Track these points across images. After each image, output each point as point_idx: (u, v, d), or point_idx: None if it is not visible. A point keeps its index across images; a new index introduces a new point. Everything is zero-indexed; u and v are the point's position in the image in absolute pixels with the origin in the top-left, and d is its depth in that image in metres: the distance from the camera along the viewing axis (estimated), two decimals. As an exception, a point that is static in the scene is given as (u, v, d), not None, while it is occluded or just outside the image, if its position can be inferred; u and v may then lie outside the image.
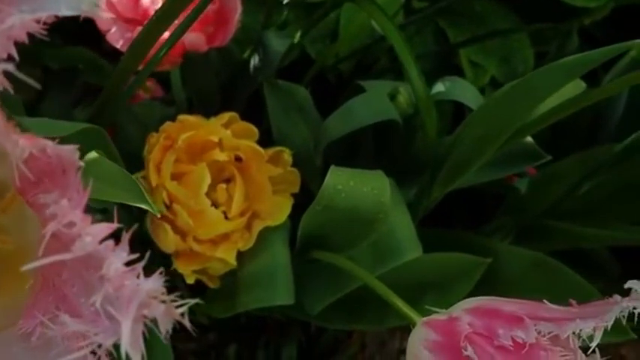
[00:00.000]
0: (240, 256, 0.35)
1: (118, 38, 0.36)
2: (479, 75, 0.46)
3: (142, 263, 0.14)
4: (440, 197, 0.34)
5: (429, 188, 0.33)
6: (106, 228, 0.14)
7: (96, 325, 0.15)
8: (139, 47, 0.28)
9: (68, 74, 0.43)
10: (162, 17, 0.27)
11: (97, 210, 0.37)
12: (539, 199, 0.37)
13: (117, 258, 0.14)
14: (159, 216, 0.23)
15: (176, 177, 0.33)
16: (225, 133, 0.34)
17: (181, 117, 0.33)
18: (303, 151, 0.39)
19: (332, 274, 0.34)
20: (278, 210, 0.34)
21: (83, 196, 0.15)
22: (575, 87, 0.26)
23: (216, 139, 0.33)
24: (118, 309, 0.13)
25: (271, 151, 0.37)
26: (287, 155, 0.36)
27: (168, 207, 0.33)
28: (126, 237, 0.14)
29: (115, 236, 0.15)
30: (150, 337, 0.38)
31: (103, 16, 0.35)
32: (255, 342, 0.48)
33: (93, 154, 0.23)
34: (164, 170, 0.31)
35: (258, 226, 0.34)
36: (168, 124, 0.32)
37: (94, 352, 0.15)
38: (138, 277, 0.14)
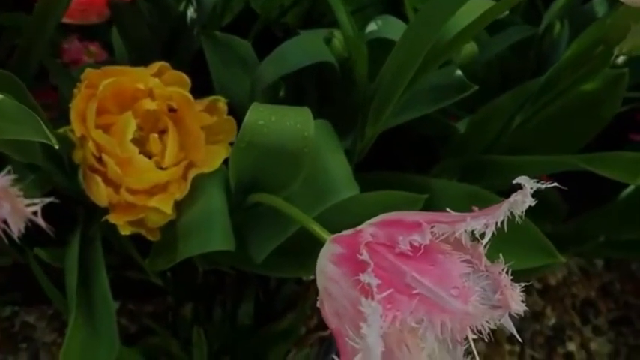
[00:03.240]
0: (178, 206, 0.34)
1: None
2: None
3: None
4: (373, 138, 0.33)
5: (362, 129, 0.33)
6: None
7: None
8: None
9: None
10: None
11: (29, 168, 0.36)
12: (478, 138, 0.38)
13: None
14: (56, 147, 0.22)
15: (106, 128, 0.33)
16: (154, 81, 0.33)
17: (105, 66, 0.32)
18: (246, 103, 0.39)
19: (271, 219, 0.34)
20: (213, 158, 0.34)
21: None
22: (485, 4, 0.26)
23: (143, 87, 0.32)
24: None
25: (207, 100, 0.36)
26: (222, 104, 0.36)
27: (98, 159, 0.32)
28: None
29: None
30: (94, 294, 0.37)
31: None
32: (211, 301, 0.48)
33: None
34: (88, 119, 0.30)
35: (193, 175, 0.33)
36: (89, 71, 0.31)
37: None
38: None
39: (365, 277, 0.17)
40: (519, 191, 0.18)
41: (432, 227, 0.18)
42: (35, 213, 0.14)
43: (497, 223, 0.18)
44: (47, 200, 0.14)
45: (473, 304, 0.16)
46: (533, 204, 0.18)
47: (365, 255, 0.17)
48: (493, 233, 0.28)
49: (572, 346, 0.50)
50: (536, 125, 0.35)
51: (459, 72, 0.32)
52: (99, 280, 0.36)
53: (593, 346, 0.50)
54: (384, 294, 0.16)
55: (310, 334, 0.51)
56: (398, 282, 0.17)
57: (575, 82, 0.29)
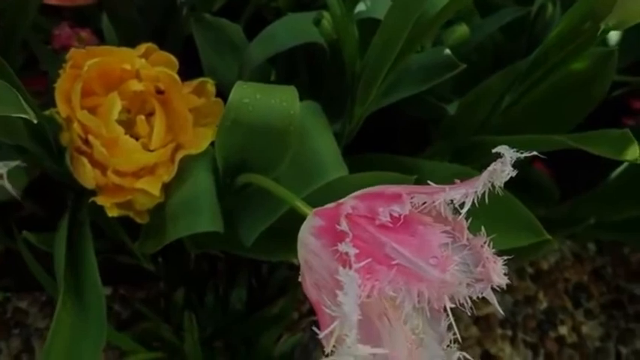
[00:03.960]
0: (166, 188, 0.34)
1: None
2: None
3: None
4: (362, 118, 0.33)
5: (350, 110, 0.33)
6: None
7: None
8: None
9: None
10: None
11: (16, 151, 0.36)
12: (468, 119, 0.37)
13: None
14: (35, 121, 0.22)
15: (92, 110, 0.32)
16: (141, 62, 0.33)
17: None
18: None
19: (260, 201, 0.34)
20: (201, 140, 0.34)
21: None
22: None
23: (130, 68, 0.32)
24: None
25: (195, 82, 0.36)
26: (210, 86, 0.36)
27: (84, 140, 0.32)
28: None
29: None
30: (83, 278, 0.37)
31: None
32: (203, 286, 0.48)
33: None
34: (73, 100, 0.30)
35: (180, 157, 0.33)
36: (74, 51, 0.31)
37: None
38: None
39: (343, 247, 0.16)
40: (498, 160, 0.18)
41: (411, 198, 0.18)
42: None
43: (477, 193, 0.18)
44: (13, 164, 0.14)
45: (450, 273, 0.16)
46: (513, 174, 0.18)
47: (344, 225, 0.17)
48: (482, 212, 0.28)
49: (563, 330, 0.50)
50: (527, 105, 0.34)
51: (447, 51, 0.32)
52: (88, 264, 0.36)
53: (584, 329, 0.50)
54: (362, 263, 0.16)
55: (302, 319, 0.51)
56: (378, 253, 0.17)
57: (563, 60, 0.29)
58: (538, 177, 0.50)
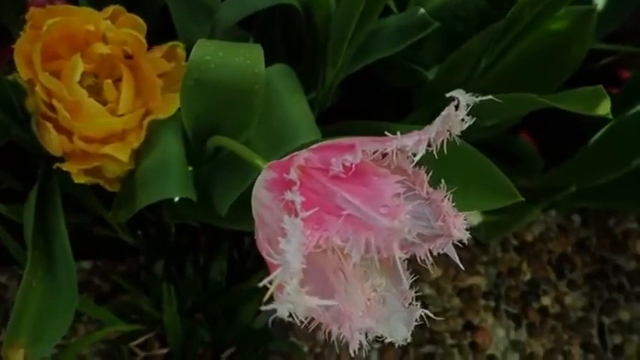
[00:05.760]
0: (137, 155, 0.33)
1: None
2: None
3: None
4: (335, 82, 0.32)
5: (323, 73, 0.32)
6: None
7: None
8: None
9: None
10: None
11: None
12: (447, 84, 0.36)
13: None
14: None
15: (57, 74, 0.31)
16: (106, 23, 0.32)
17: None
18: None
19: (232, 168, 0.34)
20: (170, 105, 0.33)
21: None
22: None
23: (94, 29, 0.31)
24: None
25: (166, 46, 0.35)
26: (181, 50, 0.35)
27: (49, 105, 0.31)
28: None
29: None
30: (54, 247, 0.36)
31: None
32: (183, 259, 0.48)
33: None
34: (35, 61, 0.29)
35: (148, 121, 0.32)
36: (33, 11, 0.30)
37: None
38: None
39: (288, 195, 0.16)
40: (451, 104, 0.17)
41: (364, 147, 0.17)
42: None
43: (431, 139, 0.17)
44: None
45: (399, 220, 0.16)
46: (470, 122, 0.17)
47: (292, 174, 0.16)
48: (456, 175, 0.27)
49: (546, 301, 0.50)
50: (507, 68, 0.34)
51: (421, 10, 0.31)
52: (58, 234, 0.35)
53: (567, 300, 0.50)
54: (310, 212, 0.16)
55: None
56: (329, 203, 0.17)
57: (540, 16, 0.28)
58: (522, 147, 0.49)
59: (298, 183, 0.16)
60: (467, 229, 0.19)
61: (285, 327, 0.49)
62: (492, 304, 0.50)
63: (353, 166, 0.17)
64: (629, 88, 0.41)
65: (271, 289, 0.14)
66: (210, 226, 0.45)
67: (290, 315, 0.15)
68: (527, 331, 0.49)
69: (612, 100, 0.25)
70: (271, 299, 0.15)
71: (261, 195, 0.18)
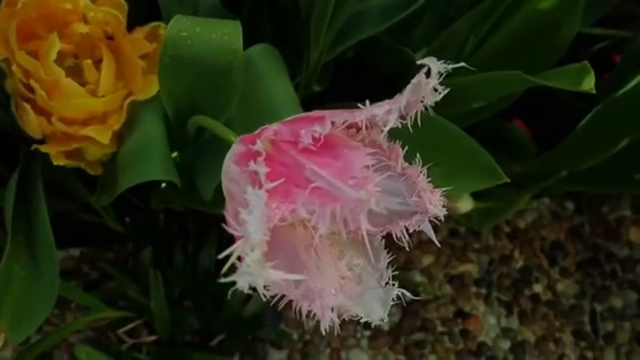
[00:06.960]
0: (118, 138, 0.33)
1: None
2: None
3: None
4: (320, 62, 0.32)
5: (307, 54, 0.31)
6: None
7: None
8: None
9: None
10: None
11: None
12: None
13: None
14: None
15: (35, 55, 0.31)
16: (85, 2, 0.31)
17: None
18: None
19: (215, 151, 0.33)
20: (151, 86, 0.32)
21: None
22: None
23: (71, 8, 0.30)
24: None
25: (148, 27, 0.34)
26: (163, 30, 0.34)
27: (27, 86, 0.31)
28: None
29: None
30: (36, 232, 0.36)
31: None
32: (172, 246, 0.47)
33: None
34: (11, 40, 0.29)
35: (129, 102, 0.32)
36: (8, -12, 0.29)
37: None
38: None
39: (252, 166, 0.15)
40: (421, 71, 0.16)
41: (333, 118, 0.16)
42: None
43: (401, 108, 0.16)
44: None
45: (366, 192, 0.15)
46: (444, 92, 0.17)
47: (258, 144, 0.16)
48: (441, 156, 0.27)
49: (538, 288, 0.50)
50: (495, 49, 0.33)
51: (406, -12, 0.31)
52: (40, 219, 0.35)
53: (559, 287, 0.50)
54: (275, 184, 0.15)
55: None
56: (297, 176, 0.16)
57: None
58: (515, 134, 0.49)
59: (264, 154, 0.16)
60: (443, 206, 0.19)
61: (278, 315, 0.49)
62: (484, 291, 0.49)
63: (322, 137, 0.16)
64: (619, 72, 0.41)
65: (230, 260, 0.14)
66: (199, 213, 0.45)
67: (251, 287, 0.14)
68: (518, 319, 0.48)
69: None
70: (233, 271, 0.14)
71: (230, 169, 0.18)
